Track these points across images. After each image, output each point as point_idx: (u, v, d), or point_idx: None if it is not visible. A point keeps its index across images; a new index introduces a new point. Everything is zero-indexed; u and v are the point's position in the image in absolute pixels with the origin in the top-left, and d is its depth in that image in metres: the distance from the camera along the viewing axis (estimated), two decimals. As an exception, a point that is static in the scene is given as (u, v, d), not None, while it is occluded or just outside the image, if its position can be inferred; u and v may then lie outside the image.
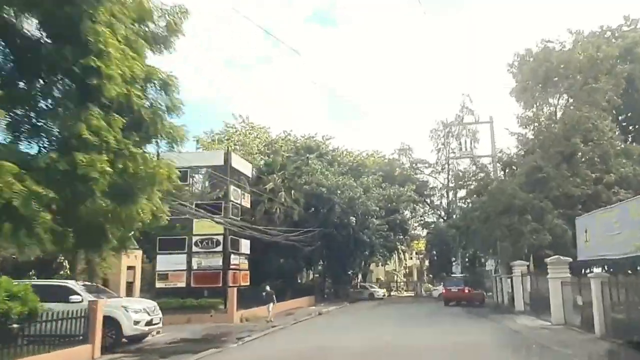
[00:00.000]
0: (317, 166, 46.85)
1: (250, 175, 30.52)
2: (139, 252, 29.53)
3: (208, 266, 26.50)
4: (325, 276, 48.89)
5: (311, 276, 51.45)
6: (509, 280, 30.28)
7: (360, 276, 64.83)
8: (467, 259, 58.91)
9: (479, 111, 67.45)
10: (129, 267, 29.16)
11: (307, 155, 48.50)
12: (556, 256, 20.32)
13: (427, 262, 70.13)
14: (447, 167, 63.69)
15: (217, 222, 25.20)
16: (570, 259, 20.06)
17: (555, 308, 19.86)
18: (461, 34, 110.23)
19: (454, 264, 57.76)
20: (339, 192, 44.60)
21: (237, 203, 27.97)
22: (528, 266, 27.40)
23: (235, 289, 26.21)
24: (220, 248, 26.58)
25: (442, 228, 59.01)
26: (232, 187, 27.38)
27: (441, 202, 67.77)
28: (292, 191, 44.30)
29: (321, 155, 49.76)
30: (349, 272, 49.74)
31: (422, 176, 66.38)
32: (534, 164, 27.18)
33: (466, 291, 39.04)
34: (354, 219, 44.46)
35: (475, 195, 33.53)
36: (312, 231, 42.28)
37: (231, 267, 26.90)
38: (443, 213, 66.01)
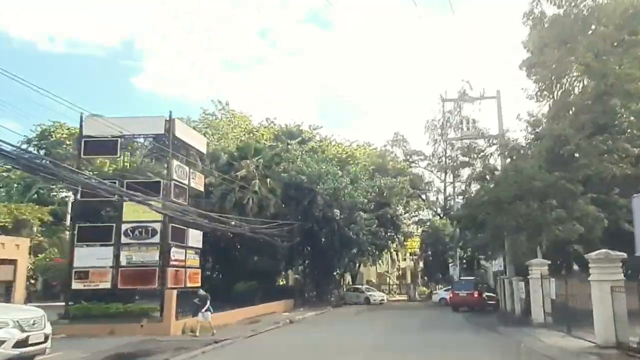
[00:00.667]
0: (298, 152, 40.86)
1: (204, 152, 24.40)
2: (24, 241, 23.08)
3: (141, 262, 20.39)
4: (306, 277, 42.78)
5: (295, 277, 45.37)
6: (521, 283, 24.33)
7: (349, 278, 58.99)
8: (464, 260, 52.97)
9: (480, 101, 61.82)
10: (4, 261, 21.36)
11: (288, 141, 42.51)
12: (603, 250, 14.29)
13: (421, 264, 64.00)
14: (445, 155, 57.86)
15: (150, 206, 19.09)
16: (624, 255, 14.05)
17: (602, 323, 13.82)
18: (459, 32, 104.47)
19: (450, 266, 51.71)
20: (321, 181, 38.58)
21: (182, 183, 21.85)
22: (550, 266, 21.42)
23: (175, 292, 20.07)
24: (156, 239, 20.50)
25: (438, 226, 53.23)
26: (175, 163, 21.28)
27: (437, 199, 61.86)
28: (268, 180, 38.26)
29: (304, 142, 43.77)
30: (335, 273, 43.52)
31: (417, 170, 60.59)
32: (559, 133, 21.10)
33: (475, 295, 33.61)
34: (338, 211, 38.40)
35: (482, 180, 27.50)
36: (289, 224, 36.24)
37: (172, 263, 20.81)
38: (439, 210, 60.15)
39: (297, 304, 38.73)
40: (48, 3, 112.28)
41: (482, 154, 26.96)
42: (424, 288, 57.74)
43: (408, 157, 58.77)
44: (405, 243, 64.19)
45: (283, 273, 44.40)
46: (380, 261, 73.20)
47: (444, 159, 59.63)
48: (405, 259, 78.16)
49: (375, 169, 47.86)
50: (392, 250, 51.83)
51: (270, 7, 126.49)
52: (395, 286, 71.69)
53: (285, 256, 41.60)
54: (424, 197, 59.46)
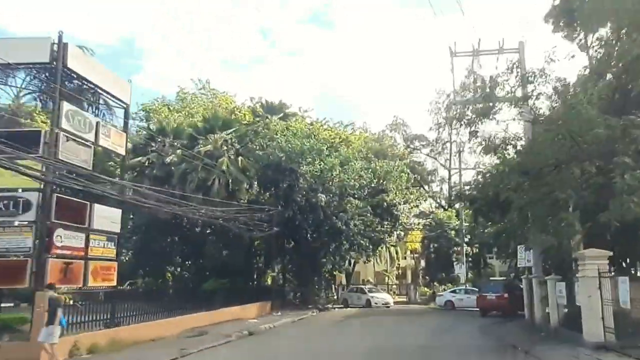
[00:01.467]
0: (278, 127, 34.06)
1: (127, 102, 17.48)
2: None
3: (5, 249, 13.61)
4: (286, 275, 35.86)
5: (279, 275, 38.41)
6: (561, 284, 17.49)
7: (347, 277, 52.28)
8: (470, 258, 46.12)
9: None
10: None
11: (267, 115, 35.75)
12: None
13: (422, 262, 57.05)
14: (450, 140, 50.89)
15: (19, 170, 12.30)
16: None
17: None
18: (465, 32, 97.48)
19: (455, 264, 44.74)
20: (304, 160, 31.78)
21: (80, 137, 14.97)
22: (611, 259, 14.53)
23: (49, 294, 13.20)
24: (30, 215, 13.68)
25: (442, 219, 46.36)
26: (67, 107, 14.43)
27: (441, 189, 55.06)
28: (240, 158, 31.49)
29: (286, 117, 36.95)
30: (324, 271, 36.46)
31: (418, 157, 53.73)
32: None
33: (505, 298, 27.97)
34: (324, 197, 31.59)
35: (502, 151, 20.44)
36: (266, 211, 29.43)
37: (56, 252, 13.97)
38: (444, 202, 53.24)
39: (274, 306, 31.98)
40: (49, 2, 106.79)
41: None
42: (426, 289, 50.80)
43: (409, 142, 51.96)
44: (404, 238, 57.66)
45: (267, 271, 37.56)
46: (378, 259, 66.69)
47: (449, 145, 53.00)
48: (405, 257, 71.46)
49: (372, 155, 41.03)
50: (388, 245, 44.76)
51: (270, 7, 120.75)
52: (394, 286, 64.72)
53: (263, 250, 34.83)
54: (426, 187, 52.63)
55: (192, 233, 33.96)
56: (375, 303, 36.42)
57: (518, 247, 23.11)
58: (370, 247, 35.36)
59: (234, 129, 31.74)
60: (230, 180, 29.89)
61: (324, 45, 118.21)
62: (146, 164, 31.21)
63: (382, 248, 54.98)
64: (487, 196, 19.76)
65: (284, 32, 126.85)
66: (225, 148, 30.53)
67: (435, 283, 46.98)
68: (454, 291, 37.60)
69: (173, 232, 33.89)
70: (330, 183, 32.39)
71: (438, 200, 53.03)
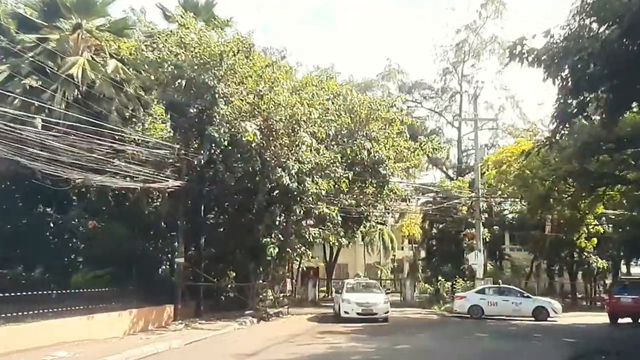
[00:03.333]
0: (195, 29, 20.66)
1: None
2: None
3: None
4: (201, 263, 22.10)
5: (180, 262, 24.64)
6: None
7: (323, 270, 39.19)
8: (486, 241, 32.59)
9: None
10: None
11: (182, 13, 22.30)
12: None
13: (423, 252, 43.71)
14: (461, 91, 37.65)
15: None
16: None
17: None
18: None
19: (467, 254, 31.43)
20: (227, 70, 18.63)
21: None
22: None
23: None
24: None
25: (451, 190, 33.08)
26: None
27: (447, 155, 41.71)
28: (117, 65, 18.28)
29: (214, 21, 23.36)
30: (269, 255, 22.09)
31: (418, 112, 40.39)
32: None
33: None
34: (257, 131, 18.42)
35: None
36: (161, 148, 16.28)
37: None
38: (451, 172, 40.02)
39: (183, 312, 19.07)
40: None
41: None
42: (427, 285, 37.66)
43: (407, 93, 38.53)
44: (400, 220, 44.52)
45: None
46: (369, 249, 53.75)
47: (459, 98, 39.67)
48: (402, 247, 58.35)
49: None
50: (373, 224, 31.27)
51: (270, 7, 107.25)
52: (389, 282, 51.57)
53: (169, 225, 21.49)
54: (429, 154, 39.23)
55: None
56: (345, 312, 20.54)
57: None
58: (339, 219, 21.68)
59: (103, 17, 18.48)
60: (91, 93, 16.76)
61: (324, 44, 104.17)
62: None
63: (369, 230, 42.15)
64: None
65: (284, 32, 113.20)
66: (81, 41, 17.37)
67: (440, 278, 33.64)
68: (481, 291, 24.84)
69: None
70: (270, 110, 19.14)
71: (444, 169, 39.68)
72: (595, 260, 32.75)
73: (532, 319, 23.14)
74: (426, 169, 37.82)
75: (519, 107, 38.85)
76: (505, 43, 37.86)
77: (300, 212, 20.82)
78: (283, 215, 21.15)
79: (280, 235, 21.18)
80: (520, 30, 62.56)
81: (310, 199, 20.98)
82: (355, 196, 24.88)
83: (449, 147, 38.55)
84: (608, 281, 38.03)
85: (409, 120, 25.99)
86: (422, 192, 34.94)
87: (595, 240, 30.51)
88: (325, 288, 42.11)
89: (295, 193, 20.15)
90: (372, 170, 24.16)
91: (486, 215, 32.59)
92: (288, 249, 22.18)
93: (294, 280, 34.96)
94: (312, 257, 43.84)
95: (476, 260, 29.12)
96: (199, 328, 17.84)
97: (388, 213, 31.81)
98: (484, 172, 27.06)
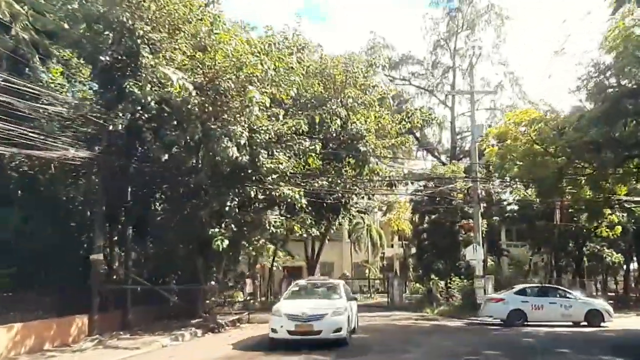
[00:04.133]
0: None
1: None
2: None
3: None
4: (128, 259, 17.37)
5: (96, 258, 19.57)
6: None
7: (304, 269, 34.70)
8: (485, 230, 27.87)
9: None
10: None
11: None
12: None
13: (413, 249, 39.08)
14: (454, 67, 33.22)
15: None
16: None
17: None
18: None
19: (465, 248, 26.69)
20: (149, 13, 14.16)
21: None
22: None
23: None
24: None
25: (444, 175, 28.62)
26: None
27: (440, 139, 37.29)
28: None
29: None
30: (215, 247, 16.59)
31: (406, 90, 35.83)
32: None
33: None
34: (194, 90, 13.90)
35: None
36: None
37: None
38: (444, 158, 35.60)
39: (101, 324, 14.55)
40: None
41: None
42: (418, 285, 33.22)
43: (389, 65, 33.87)
44: (386, 213, 40.34)
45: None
46: (357, 247, 49.66)
47: (451, 76, 35.21)
48: (392, 245, 54.04)
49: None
50: (354, 213, 26.65)
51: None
52: (378, 281, 47.00)
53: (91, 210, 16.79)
54: (417, 134, 34.76)
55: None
56: (280, 332, 12.37)
57: None
58: (302, 202, 17.04)
59: None
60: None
61: (317, 39, 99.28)
62: None
63: (356, 227, 38.09)
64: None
65: (276, 27, 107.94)
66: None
67: (432, 276, 29.12)
68: (522, 292, 19.98)
69: None
70: (211, 64, 14.64)
71: (437, 154, 35.23)
72: (610, 254, 28.39)
73: (585, 324, 18.78)
74: (415, 155, 33.14)
75: (519, 84, 34.47)
76: (504, 11, 33.60)
77: (255, 194, 16.26)
78: (236, 199, 16.59)
79: (232, 225, 16.60)
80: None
81: (270, 178, 16.44)
82: (330, 179, 20.33)
83: (440, 121, 33.54)
84: (620, 278, 33.73)
85: (393, 89, 21.45)
86: (412, 179, 30.39)
87: (619, 228, 26.05)
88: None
89: (247, 170, 15.63)
90: (348, 147, 19.59)
91: (485, 205, 28.26)
92: (244, 242, 17.57)
93: (256, 282, 30.36)
94: (290, 255, 39.44)
95: (475, 254, 24.66)
96: (113, 346, 13.33)
97: (369, 198, 27.16)
98: (484, 150, 22.71)
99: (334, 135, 19.52)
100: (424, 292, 30.69)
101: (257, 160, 15.52)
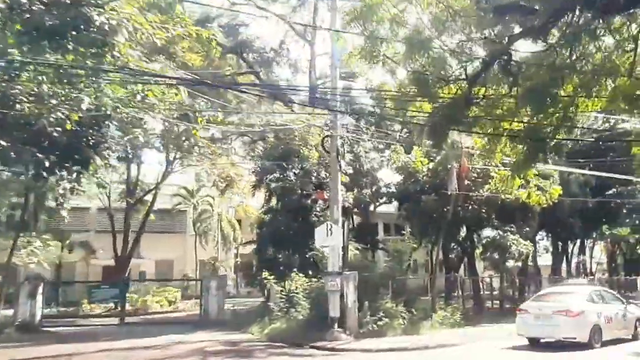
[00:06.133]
0: None
1: None
2: None
3: None
4: None
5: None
6: None
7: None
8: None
9: None
10: None
11: None
12: None
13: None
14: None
15: None
16: None
17: None
18: None
19: (321, 226, 16.44)
20: None
21: None
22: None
23: None
24: None
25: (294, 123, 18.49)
26: None
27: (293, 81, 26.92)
28: None
29: None
30: None
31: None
32: None
33: None
34: None
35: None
36: None
37: None
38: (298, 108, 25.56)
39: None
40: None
41: None
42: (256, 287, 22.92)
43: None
44: (225, 192, 30.16)
45: None
46: (204, 240, 39.32)
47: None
48: (254, 239, 43.34)
49: None
50: (105, 159, 14.64)
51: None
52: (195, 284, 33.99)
53: None
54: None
55: None
56: None
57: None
58: None
59: None
60: None
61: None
62: None
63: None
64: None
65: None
66: None
67: (265, 274, 18.26)
68: (590, 299, 12.71)
69: None
70: None
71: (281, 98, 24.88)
72: (515, 242, 19.88)
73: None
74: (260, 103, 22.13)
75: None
76: None
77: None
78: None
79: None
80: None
81: None
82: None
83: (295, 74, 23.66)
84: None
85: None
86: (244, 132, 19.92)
87: (559, 189, 17.56)
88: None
89: None
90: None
91: (351, 168, 18.80)
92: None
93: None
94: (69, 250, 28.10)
95: (330, 238, 14.75)
96: None
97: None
98: (347, 65, 12.97)
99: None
100: (266, 296, 20.32)
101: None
